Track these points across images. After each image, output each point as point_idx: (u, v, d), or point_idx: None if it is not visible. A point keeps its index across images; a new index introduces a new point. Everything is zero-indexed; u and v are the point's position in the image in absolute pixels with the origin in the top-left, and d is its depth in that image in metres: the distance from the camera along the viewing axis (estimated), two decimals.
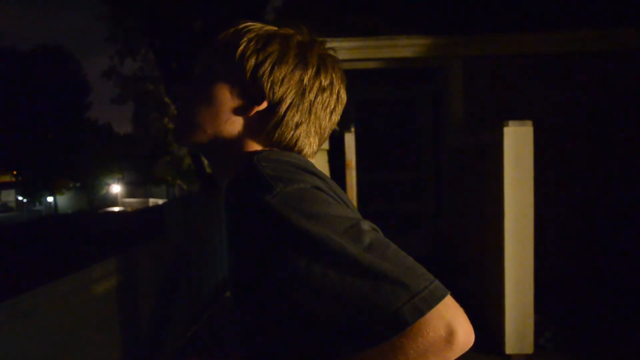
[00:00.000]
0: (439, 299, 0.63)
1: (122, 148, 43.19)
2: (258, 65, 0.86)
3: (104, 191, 48.08)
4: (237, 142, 0.88)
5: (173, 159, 31.48)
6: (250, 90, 0.87)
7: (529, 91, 5.45)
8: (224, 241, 5.12)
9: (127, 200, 46.51)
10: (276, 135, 0.87)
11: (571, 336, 3.92)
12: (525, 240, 3.53)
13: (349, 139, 4.35)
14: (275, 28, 0.91)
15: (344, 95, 0.93)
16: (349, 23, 5.45)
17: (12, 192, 46.88)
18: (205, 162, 19.20)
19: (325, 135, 0.94)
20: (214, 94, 0.88)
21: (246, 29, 0.89)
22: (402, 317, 0.61)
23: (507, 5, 5.70)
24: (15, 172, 42.86)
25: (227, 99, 0.88)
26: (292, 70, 0.86)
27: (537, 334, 3.66)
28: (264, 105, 0.86)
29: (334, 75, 0.90)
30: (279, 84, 0.86)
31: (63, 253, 10.97)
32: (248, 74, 0.86)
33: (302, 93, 0.87)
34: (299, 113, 0.87)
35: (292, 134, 0.88)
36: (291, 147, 0.89)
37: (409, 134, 6.94)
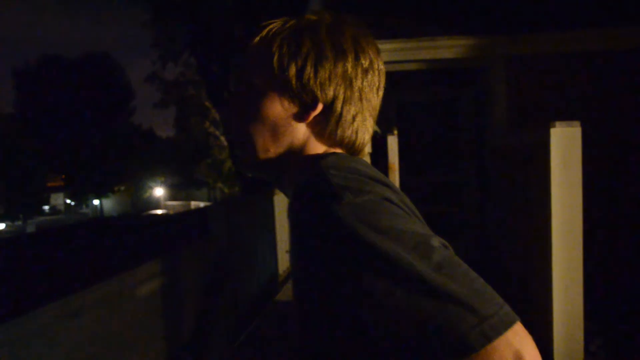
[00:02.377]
0: (508, 325, 0.60)
1: (164, 152, 44.10)
2: (300, 71, 0.83)
3: (147, 194, 49.18)
4: (300, 151, 0.87)
5: (214, 162, 31.92)
6: (301, 97, 0.84)
7: (574, 91, 5.30)
8: (267, 245, 5.17)
9: (170, 203, 47.38)
10: (338, 134, 0.86)
11: (624, 344, 3.79)
12: (574, 245, 3.42)
13: (392, 142, 4.31)
14: (295, 21, 0.88)
15: (382, 67, 0.90)
16: (390, 25, 5.42)
17: (60, 195, 48.45)
18: None
19: (377, 113, 0.92)
20: (265, 110, 0.86)
21: (271, 33, 0.87)
22: (468, 343, 0.58)
23: (550, 2, 5.56)
24: (63, 176, 44.28)
25: (280, 111, 0.85)
26: (334, 65, 0.83)
27: (587, 341, 3.55)
28: (320, 107, 0.84)
29: (370, 52, 0.87)
30: (327, 82, 0.83)
31: (109, 255, 11.25)
32: (294, 82, 0.84)
33: (350, 84, 0.84)
34: (352, 105, 0.85)
35: (352, 128, 0.86)
36: (353, 141, 0.87)
37: (451, 136, 6.85)
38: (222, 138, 26.20)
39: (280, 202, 6.71)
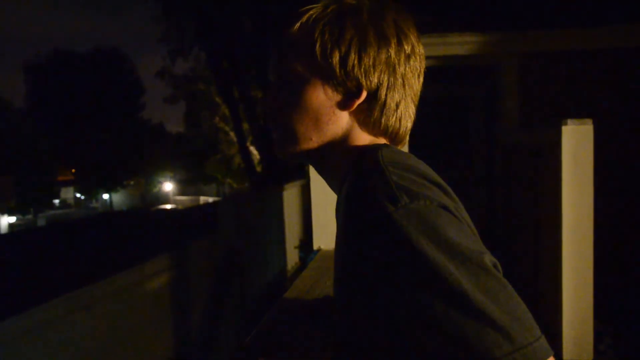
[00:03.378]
0: (541, 358, 0.59)
1: (174, 147, 44.23)
2: (344, 58, 0.81)
3: (156, 189, 49.39)
4: (344, 140, 0.85)
5: (223, 157, 31.94)
6: (345, 85, 0.83)
7: (587, 88, 5.26)
8: (275, 240, 5.18)
9: (179, 198, 47.56)
10: (383, 122, 0.84)
11: (633, 343, 3.77)
12: (585, 243, 3.40)
13: None
14: (335, 5, 0.85)
15: (423, 51, 0.89)
16: None
17: (70, 189, 48.72)
18: (256, 160, 19.35)
19: (418, 98, 0.90)
20: (308, 98, 0.84)
21: (312, 19, 0.84)
22: None
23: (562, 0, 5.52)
24: (73, 171, 44.55)
25: (323, 99, 0.84)
26: (378, 51, 0.82)
27: (597, 339, 3.53)
28: (364, 95, 0.83)
29: (412, 37, 0.86)
30: (371, 70, 0.82)
31: (118, 248, 11.31)
32: (337, 70, 0.82)
33: (393, 70, 0.83)
34: (396, 91, 0.84)
35: (395, 115, 0.85)
36: (397, 129, 0.86)
37: (462, 133, 6.83)
38: (232, 134, 26.24)
39: (289, 198, 6.71)
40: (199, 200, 42.61)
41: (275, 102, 0.89)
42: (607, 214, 4.70)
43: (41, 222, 37.76)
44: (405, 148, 4.17)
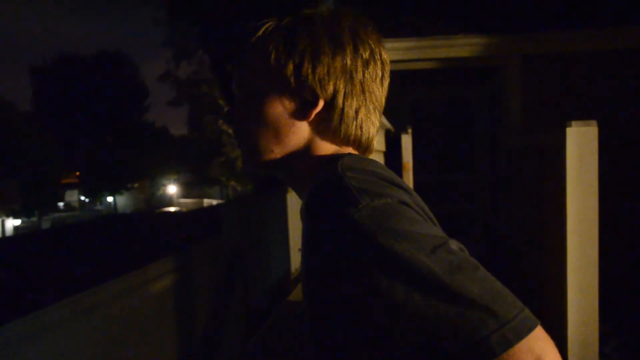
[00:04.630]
0: (529, 329, 0.59)
1: (177, 150, 44.33)
2: (298, 68, 0.81)
3: (160, 192, 49.46)
4: (306, 150, 0.85)
5: (227, 160, 32.03)
6: (300, 95, 0.83)
7: (591, 90, 5.25)
8: (279, 243, 5.18)
9: (183, 200, 47.62)
10: (342, 130, 0.84)
11: (638, 346, 3.75)
12: (589, 245, 3.38)
13: (406, 141, 4.28)
14: (291, 17, 0.85)
15: (386, 56, 0.87)
16: (405, 23, 5.40)
17: (75, 192, 48.84)
18: None
19: (382, 105, 0.88)
20: (266, 110, 0.84)
21: (268, 32, 0.85)
22: (488, 347, 0.57)
23: (566, 1, 5.51)
24: (77, 173, 44.67)
25: (281, 111, 0.84)
26: (332, 59, 0.81)
27: (602, 342, 3.51)
28: (321, 104, 0.82)
29: (370, 42, 0.84)
30: (326, 78, 0.81)
31: (122, 251, 11.33)
32: (292, 80, 0.82)
33: (350, 77, 0.82)
34: (354, 98, 0.83)
35: (355, 122, 0.84)
36: (359, 136, 0.85)
37: (465, 135, 6.82)
38: None
39: (293, 201, 6.70)
40: (202, 202, 42.66)
41: (238, 115, 0.89)
42: (612, 216, 4.68)
43: (46, 225, 37.87)
44: (408, 151, 4.15)
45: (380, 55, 0.86)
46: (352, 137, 0.85)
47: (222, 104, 25.56)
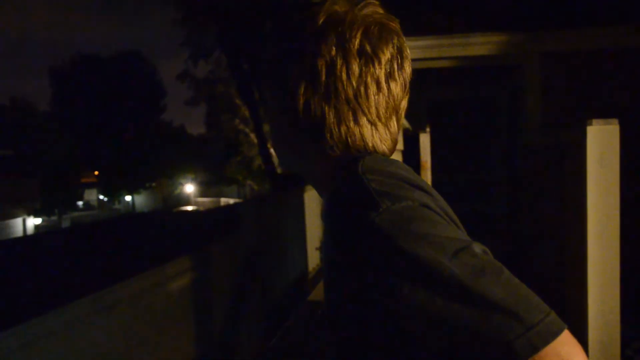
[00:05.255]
0: (555, 334, 0.58)
1: (195, 149, 44.59)
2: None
3: (177, 191, 49.77)
4: (327, 157, 0.84)
5: (244, 159, 32.12)
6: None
7: (611, 88, 5.17)
8: (296, 242, 5.18)
9: (200, 199, 47.87)
10: (346, 140, 0.83)
11: None
12: (611, 245, 3.34)
13: (424, 140, 4.26)
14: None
15: (406, 66, 0.85)
16: (424, 21, 5.37)
17: (94, 191, 49.35)
18: (276, 162, 19.47)
19: (401, 109, 0.86)
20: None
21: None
22: (514, 352, 0.56)
23: None
24: (96, 173, 45.14)
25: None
26: (348, 74, 0.79)
27: (624, 344, 3.46)
28: (320, 118, 0.82)
29: (384, 48, 0.81)
30: (338, 92, 0.80)
31: (141, 250, 11.41)
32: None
33: (372, 86, 0.81)
34: (368, 108, 0.81)
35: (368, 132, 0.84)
36: (363, 144, 0.83)
37: (483, 134, 6.77)
38: (252, 135, 26.35)
39: (310, 200, 6.71)
40: (220, 201, 42.84)
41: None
42: (635, 216, 4.60)
43: (65, 223, 38.33)
44: (426, 149, 4.14)
45: (402, 61, 0.85)
46: (353, 144, 0.84)
47: (239, 103, 25.66)
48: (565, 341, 0.58)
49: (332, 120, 0.80)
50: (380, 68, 0.81)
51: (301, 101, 0.81)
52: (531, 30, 5.25)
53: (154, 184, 47.15)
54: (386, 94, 0.82)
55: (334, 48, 0.79)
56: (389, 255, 0.62)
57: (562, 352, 0.57)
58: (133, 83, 42.31)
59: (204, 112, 34.62)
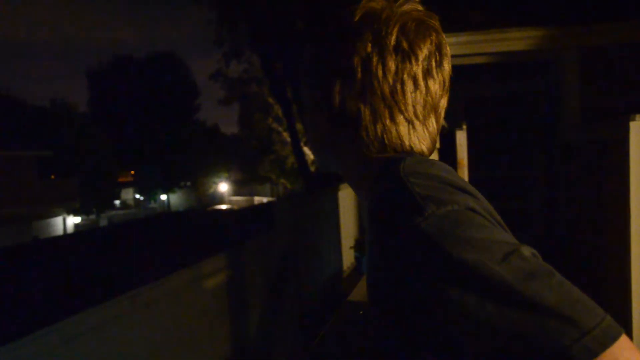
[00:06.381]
0: (613, 338, 0.55)
1: (228, 148, 45.06)
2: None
3: (212, 190, 50.37)
4: (365, 158, 0.84)
5: (277, 158, 32.32)
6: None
7: None
8: (331, 240, 5.17)
9: (234, 198, 48.38)
10: (385, 140, 0.82)
11: None
12: None
13: (461, 137, 4.21)
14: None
15: (445, 64, 0.83)
16: (458, 17, 5.30)
17: (130, 190, 50.33)
18: (309, 160, 19.50)
19: (440, 108, 0.85)
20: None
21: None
22: (570, 358, 0.54)
23: None
24: (132, 172, 46.02)
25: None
26: (384, 71, 0.78)
27: None
28: (358, 116, 0.82)
29: (422, 45, 0.79)
30: (373, 91, 0.79)
31: (176, 248, 11.60)
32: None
33: (409, 83, 0.79)
34: (405, 106, 0.80)
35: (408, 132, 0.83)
36: (401, 145, 0.82)
37: (519, 130, 6.66)
38: (285, 134, 26.49)
39: (345, 198, 6.70)
40: (253, 200, 43.21)
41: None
42: None
43: (103, 222, 39.21)
44: (463, 147, 4.08)
45: (440, 59, 0.84)
46: (393, 146, 0.83)
47: (272, 102, 25.81)
48: (624, 346, 0.55)
49: (368, 118, 0.80)
50: (418, 65, 0.79)
51: (337, 99, 0.81)
52: (570, 24, 5.13)
53: (188, 183, 47.83)
54: (424, 92, 0.80)
55: (369, 45, 0.78)
56: (436, 261, 0.61)
57: (621, 357, 0.54)
58: (167, 84, 43.03)
59: (237, 111, 34.97)
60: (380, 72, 0.78)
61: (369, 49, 0.78)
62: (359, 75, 0.79)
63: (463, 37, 5.09)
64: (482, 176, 6.36)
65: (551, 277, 0.59)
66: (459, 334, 0.60)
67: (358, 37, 0.79)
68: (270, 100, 26.01)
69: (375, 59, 0.78)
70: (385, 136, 0.80)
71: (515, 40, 5.10)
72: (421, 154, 0.83)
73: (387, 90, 0.79)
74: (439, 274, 0.61)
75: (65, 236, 25.44)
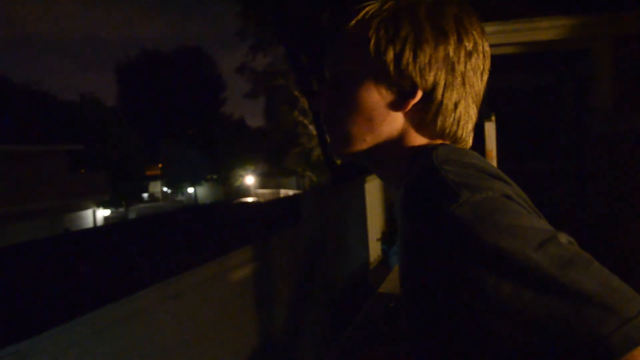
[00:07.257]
0: None
1: (254, 141, 45.24)
2: (399, 56, 0.77)
3: (238, 182, 50.67)
4: (399, 141, 0.82)
5: (303, 150, 32.36)
6: (399, 84, 0.79)
7: None
8: (357, 233, 5.16)
9: (260, 191, 48.58)
10: (439, 123, 0.80)
11: None
12: None
13: (489, 128, 4.14)
14: (393, 1, 0.80)
15: (488, 49, 0.83)
16: (488, 6, 5.21)
17: (158, 183, 50.98)
18: None
19: (480, 99, 0.84)
20: (361, 98, 0.81)
21: (368, 16, 0.81)
22: (609, 347, 0.52)
23: None
24: (160, 166, 46.58)
25: (376, 99, 0.80)
26: (435, 48, 0.76)
27: None
28: (419, 95, 0.78)
29: (474, 33, 0.80)
30: (427, 68, 0.77)
31: (204, 240, 11.71)
32: (391, 68, 0.78)
33: (452, 68, 0.78)
34: (455, 91, 0.79)
35: (454, 116, 0.80)
36: (455, 131, 0.81)
37: (549, 122, 6.54)
38: (311, 127, 26.51)
39: (371, 190, 6.68)
40: (279, 193, 43.33)
41: (329, 101, 0.87)
42: None
43: (132, 215, 39.81)
44: (492, 138, 4.02)
45: (483, 47, 0.82)
46: (447, 131, 0.81)
47: (298, 95, 25.83)
48: None
49: (451, 107, 0.80)
50: (478, 57, 0.81)
51: (430, 80, 0.79)
52: (601, 13, 5.00)
53: (215, 176, 48.21)
54: (483, 80, 0.83)
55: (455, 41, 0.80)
56: (471, 249, 0.59)
57: None
58: (194, 77, 43.40)
59: (263, 104, 35.10)
60: (468, 68, 0.79)
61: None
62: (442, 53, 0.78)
63: (491, 27, 5.00)
64: (510, 168, 6.26)
65: (589, 264, 0.58)
66: (494, 324, 0.59)
67: (459, 38, 0.79)
68: (296, 93, 26.04)
69: (463, 56, 0.79)
70: (457, 128, 0.81)
71: (544, 29, 5.00)
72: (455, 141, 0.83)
73: (472, 84, 0.81)
74: (473, 262, 0.59)
75: (97, 228, 25.90)
